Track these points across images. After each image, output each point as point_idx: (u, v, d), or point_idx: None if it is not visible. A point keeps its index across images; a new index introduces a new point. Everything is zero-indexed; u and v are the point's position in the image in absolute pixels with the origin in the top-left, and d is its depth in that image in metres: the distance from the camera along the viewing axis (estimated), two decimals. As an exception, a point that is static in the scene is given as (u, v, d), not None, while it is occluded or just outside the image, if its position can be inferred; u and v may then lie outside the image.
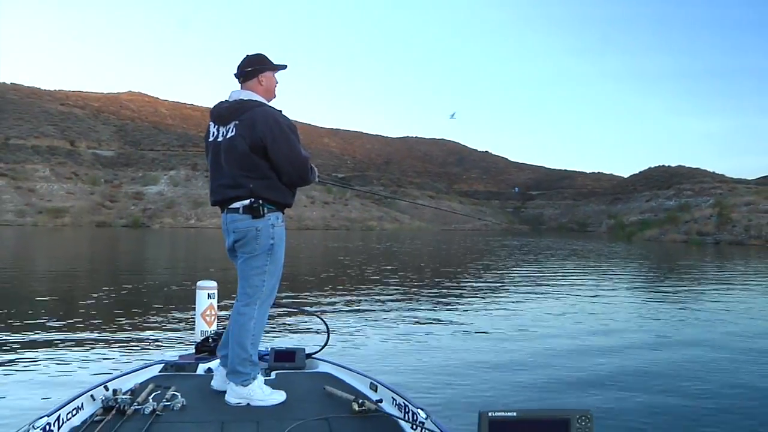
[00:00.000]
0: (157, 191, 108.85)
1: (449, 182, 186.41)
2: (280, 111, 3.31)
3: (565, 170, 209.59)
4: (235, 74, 3.38)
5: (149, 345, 7.41)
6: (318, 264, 24.12)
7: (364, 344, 7.72)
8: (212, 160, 3.32)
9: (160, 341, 7.65)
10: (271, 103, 3.38)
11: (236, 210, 3.21)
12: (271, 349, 3.92)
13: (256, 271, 3.24)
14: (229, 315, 3.55)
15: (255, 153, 3.15)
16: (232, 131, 3.20)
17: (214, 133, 3.32)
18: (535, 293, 14.41)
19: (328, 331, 4.15)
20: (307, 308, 9.86)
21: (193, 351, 4.06)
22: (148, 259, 27.38)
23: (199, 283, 5.96)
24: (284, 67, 3.46)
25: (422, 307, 11.41)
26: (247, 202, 3.19)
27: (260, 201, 3.19)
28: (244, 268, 3.28)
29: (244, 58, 3.37)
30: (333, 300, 12.00)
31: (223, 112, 3.28)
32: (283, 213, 3.34)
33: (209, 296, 5.90)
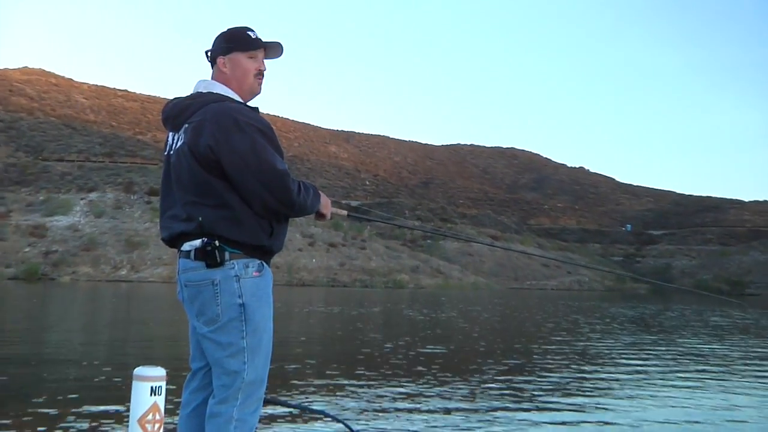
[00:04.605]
0: (68, 224, 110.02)
1: (522, 215, 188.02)
2: (256, 108, 3.53)
3: (709, 197, 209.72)
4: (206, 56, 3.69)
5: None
6: (327, 341, 24.10)
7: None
8: (163, 181, 3.61)
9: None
10: (253, 102, 3.61)
11: (187, 254, 3.42)
12: None
13: (229, 351, 3.40)
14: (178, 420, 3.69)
15: (206, 169, 3.34)
16: (181, 139, 3.47)
17: (169, 142, 3.59)
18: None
19: None
20: (322, 409, 9.80)
21: None
22: (51, 329, 27.37)
23: (137, 372, 5.66)
24: (263, 44, 3.61)
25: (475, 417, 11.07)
26: (198, 242, 3.39)
27: (215, 241, 3.33)
28: (212, 347, 3.44)
29: (217, 35, 3.65)
30: (355, 399, 11.73)
31: (172, 113, 3.54)
32: (263, 259, 3.49)
33: (153, 391, 5.61)
